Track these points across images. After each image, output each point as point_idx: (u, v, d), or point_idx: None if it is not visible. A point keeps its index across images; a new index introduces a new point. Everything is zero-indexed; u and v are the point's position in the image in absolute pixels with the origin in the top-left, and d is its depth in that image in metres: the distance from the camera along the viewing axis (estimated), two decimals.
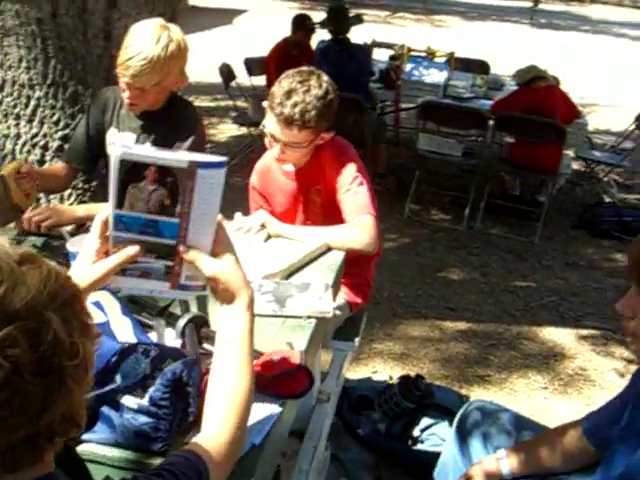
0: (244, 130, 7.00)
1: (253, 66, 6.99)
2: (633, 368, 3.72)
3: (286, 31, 6.83)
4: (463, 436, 2.09)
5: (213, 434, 1.17)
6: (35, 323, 0.83)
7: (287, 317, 1.86)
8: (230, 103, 7.34)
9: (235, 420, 1.19)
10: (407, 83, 6.26)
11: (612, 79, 12.57)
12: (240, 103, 7.03)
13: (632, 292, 1.46)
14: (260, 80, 7.09)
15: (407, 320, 4.12)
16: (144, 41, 2.31)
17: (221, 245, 1.25)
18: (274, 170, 2.64)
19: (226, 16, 16.30)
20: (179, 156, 1.21)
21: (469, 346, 3.90)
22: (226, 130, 7.82)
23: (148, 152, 1.20)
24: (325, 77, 2.41)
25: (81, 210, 2.59)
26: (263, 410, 1.44)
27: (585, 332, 4.18)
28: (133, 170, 1.18)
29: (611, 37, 18.74)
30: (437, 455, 2.72)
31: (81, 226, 2.45)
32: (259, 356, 1.52)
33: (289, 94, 2.32)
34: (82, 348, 0.87)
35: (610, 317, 4.37)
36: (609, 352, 3.98)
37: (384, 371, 3.52)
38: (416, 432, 2.88)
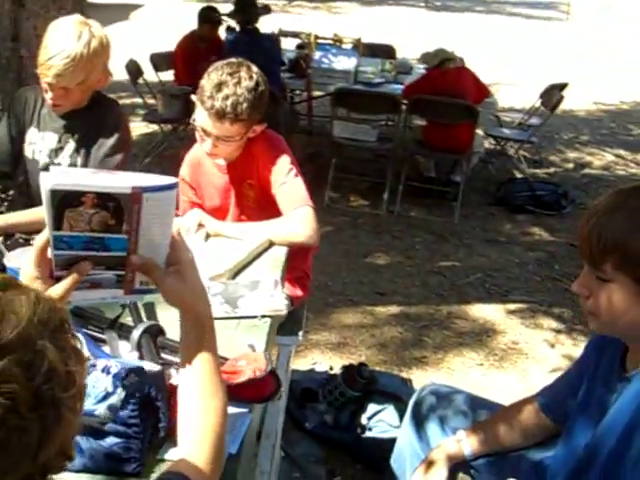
0: (154, 127, 6.85)
1: (159, 62, 6.83)
2: (562, 338, 3.88)
3: (185, 24, 6.70)
4: (419, 421, 2.09)
5: (193, 453, 1.13)
6: (30, 354, 0.76)
7: (241, 318, 1.82)
8: (136, 100, 7.16)
9: (213, 437, 1.15)
10: (317, 71, 6.23)
11: (511, 58, 12.93)
12: (148, 100, 6.86)
13: (585, 271, 1.48)
14: (167, 76, 6.95)
15: (339, 308, 4.12)
16: (65, 39, 2.21)
17: (176, 254, 1.20)
18: (205, 163, 2.58)
19: (123, 12, 15.87)
20: (121, 181, 1.12)
21: (403, 329, 3.94)
22: (135, 128, 7.60)
23: (83, 180, 1.10)
24: (255, 68, 2.37)
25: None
26: (234, 417, 1.40)
27: (513, 306, 4.29)
28: (68, 196, 1.08)
29: (505, 16, 19.25)
30: (387, 441, 2.75)
31: (9, 236, 2.33)
32: (224, 362, 1.48)
33: (219, 87, 2.27)
34: (78, 377, 0.81)
35: (535, 290, 4.51)
36: (538, 324, 4.09)
37: (323, 362, 3.51)
38: (364, 420, 2.89)
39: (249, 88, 2.29)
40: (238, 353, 1.56)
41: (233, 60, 2.38)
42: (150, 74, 6.91)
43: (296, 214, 2.39)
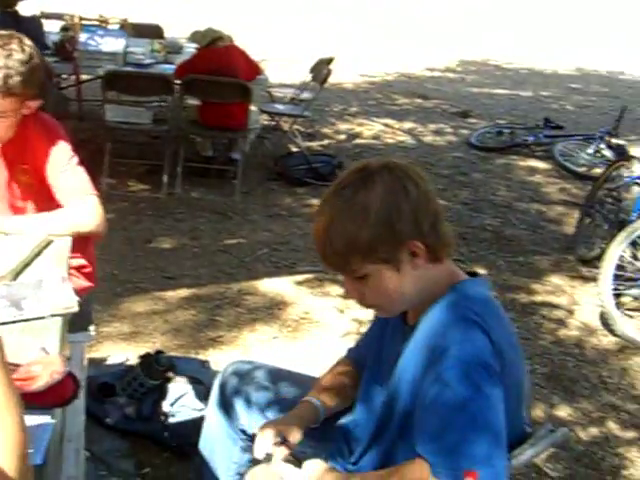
0: None
1: None
2: (350, 303, 4.07)
3: None
4: (225, 402, 2.11)
5: None
6: None
7: (29, 320, 1.73)
8: None
9: (16, 461, 1.03)
10: (84, 54, 5.97)
11: (278, 34, 13.15)
12: None
13: (344, 278, 1.59)
14: None
15: (128, 297, 4.03)
16: None
17: None
18: None
19: None
20: None
21: (195, 311, 3.93)
22: None
23: None
24: (27, 41, 2.25)
25: None
26: (36, 426, 1.34)
27: (300, 277, 4.42)
28: None
29: None
30: (193, 424, 2.75)
31: None
32: (16, 369, 1.41)
33: None
34: None
35: (319, 259, 4.64)
36: (325, 292, 4.26)
37: (118, 354, 3.42)
38: (166, 408, 2.86)
39: (22, 61, 2.17)
40: (30, 358, 1.49)
41: (3, 32, 2.23)
42: None
43: (81, 204, 2.31)
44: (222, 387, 2.12)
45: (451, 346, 1.44)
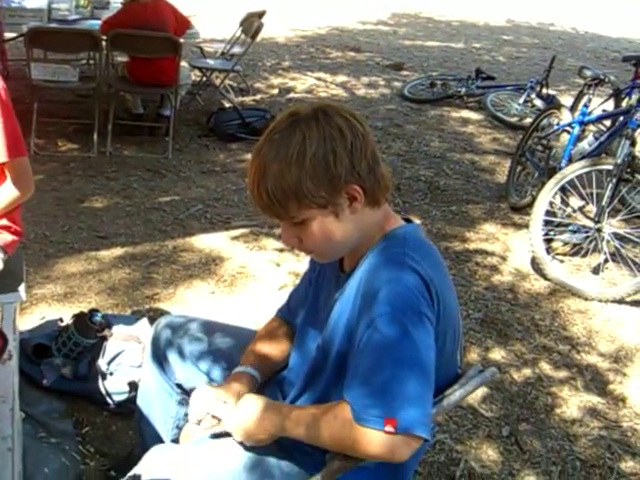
0: None
1: None
2: (285, 256, 4.08)
3: None
4: (159, 356, 2.09)
5: None
6: None
7: None
8: None
9: None
10: (6, 11, 5.76)
11: None
12: None
13: (282, 225, 1.57)
14: None
15: (61, 258, 3.95)
16: None
17: None
18: None
19: None
20: None
21: (130, 270, 3.88)
22: None
23: None
24: None
25: None
26: None
27: (236, 232, 4.40)
28: None
29: None
30: (131, 382, 2.74)
31: None
32: None
33: None
34: None
35: (254, 214, 4.65)
36: (261, 246, 4.25)
37: (53, 315, 3.36)
38: (103, 366, 2.83)
39: None
40: None
41: None
42: None
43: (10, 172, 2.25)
44: (155, 341, 2.10)
45: (382, 288, 1.45)
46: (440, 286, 1.50)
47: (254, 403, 1.60)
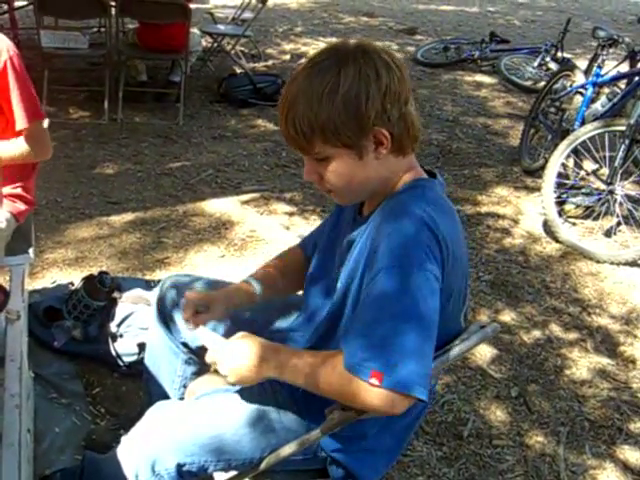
0: None
1: None
2: (296, 219, 4.08)
3: None
4: (165, 315, 2.10)
5: None
6: None
7: None
8: None
9: None
10: None
11: None
12: None
13: (305, 159, 1.55)
14: None
15: (73, 223, 3.97)
16: None
17: None
18: None
19: None
20: None
21: (141, 234, 3.90)
22: None
23: None
24: None
25: None
26: None
27: (246, 197, 4.40)
28: None
29: None
30: (141, 343, 2.76)
31: None
32: None
33: None
34: None
35: (265, 178, 4.65)
36: (271, 210, 4.25)
37: (64, 280, 3.39)
38: (113, 328, 2.85)
39: None
40: None
41: None
42: None
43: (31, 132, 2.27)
44: (160, 301, 2.10)
45: (390, 239, 1.42)
46: (452, 244, 1.46)
47: (250, 347, 1.56)
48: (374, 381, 1.32)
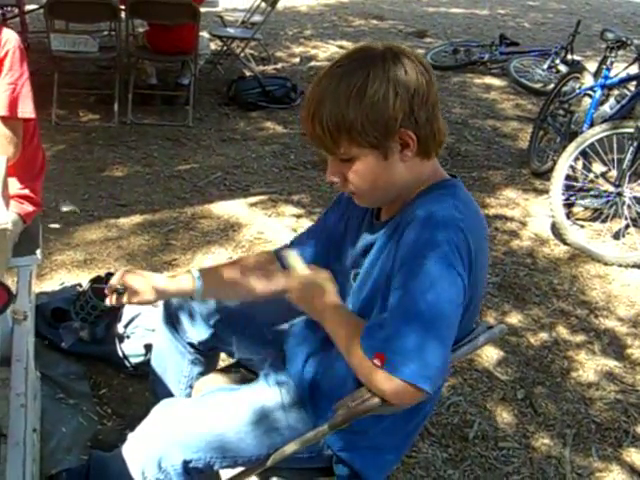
0: None
1: None
2: (303, 222, 4.09)
3: None
4: (171, 319, 2.12)
5: None
6: None
7: None
8: None
9: None
10: None
11: None
12: None
13: (330, 160, 1.55)
14: None
15: (82, 226, 3.99)
16: None
17: None
18: None
19: None
20: None
21: (149, 237, 3.91)
22: None
23: None
24: None
25: None
26: None
27: (254, 199, 4.42)
28: None
29: None
30: (147, 345, 2.77)
31: None
32: None
33: None
34: None
35: (274, 181, 4.66)
36: (279, 212, 4.26)
37: (72, 281, 3.41)
38: (120, 329, 2.87)
39: None
40: None
41: None
42: None
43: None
44: (166, 303, 2.12)
45: (423, 239, 1.41)
46: (479, 249, 1.46)
47: (329, 283, 1.61)
48: (376, 361, 1.34)
